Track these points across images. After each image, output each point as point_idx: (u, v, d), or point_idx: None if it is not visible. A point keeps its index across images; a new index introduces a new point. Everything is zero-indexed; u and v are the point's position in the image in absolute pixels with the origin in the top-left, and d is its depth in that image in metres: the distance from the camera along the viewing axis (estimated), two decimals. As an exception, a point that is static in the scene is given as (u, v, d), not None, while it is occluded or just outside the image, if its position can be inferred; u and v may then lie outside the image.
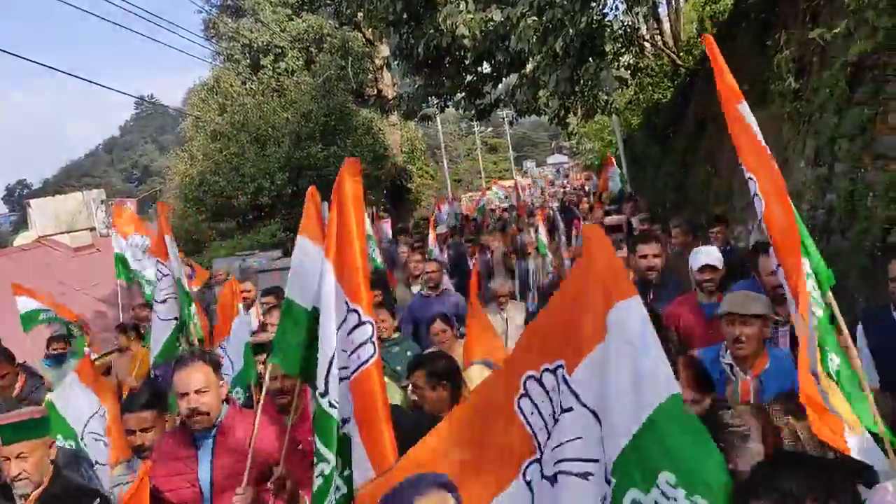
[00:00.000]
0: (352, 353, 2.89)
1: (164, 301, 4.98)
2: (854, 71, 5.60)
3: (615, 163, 15.97)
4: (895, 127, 4.88)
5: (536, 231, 11.15)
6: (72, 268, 14.47)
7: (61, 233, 15.00)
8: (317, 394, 2.99)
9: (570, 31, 8.07)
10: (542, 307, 6.04)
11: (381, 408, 2.80)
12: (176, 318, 4.98)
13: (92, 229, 16.21)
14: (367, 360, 2.84)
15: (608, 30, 9.04)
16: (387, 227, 22.11)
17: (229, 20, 24.57)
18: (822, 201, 6.13)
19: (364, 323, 2.89)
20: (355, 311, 2.91)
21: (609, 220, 10.87)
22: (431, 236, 11.61)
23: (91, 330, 14.35)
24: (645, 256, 5.00)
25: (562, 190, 33.10)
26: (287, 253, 18.57)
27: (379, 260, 10.15)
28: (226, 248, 17.70)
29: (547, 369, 2.14)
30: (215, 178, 18.67)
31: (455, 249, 12.40)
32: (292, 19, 23.99)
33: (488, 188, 31.82)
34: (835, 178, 5.90)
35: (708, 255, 4.55)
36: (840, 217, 5.65)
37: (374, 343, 2.88)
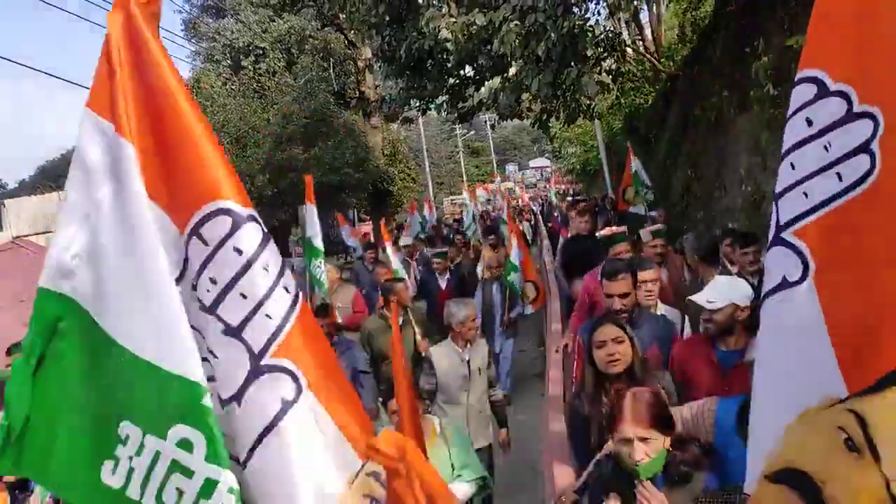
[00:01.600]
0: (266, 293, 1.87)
1: None
2: (832, 78, 5.65)
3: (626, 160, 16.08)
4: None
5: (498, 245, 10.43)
6: (47, 269, 14.24)
7: (37, 234, 14.79)
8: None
9: (552, 35, 8.08)
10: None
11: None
12: None
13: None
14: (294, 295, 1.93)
15: (590, 35, 9.06)
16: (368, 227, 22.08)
17: (210, 20, 24.42)
18: (800, 207, 6.18)
19: (247, 220, 1.93)
20: (225, 210, 1.92)
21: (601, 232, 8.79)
22: (390, 249, 9.86)
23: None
24: (643, 283, 4.25)
25: (542, 195, 32.85)
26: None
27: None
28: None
29: None
30: (195, 180, 18.48)
31: (422, 265, 10.80)
32: (274, 20, 23.89)
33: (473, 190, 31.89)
34: (812, 184, 5.94)
35: (734, 289, 3.44)
36: (817, 223, 5.69)
37: (280, 262, 1.95)
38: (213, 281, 1.87)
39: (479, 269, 9.74)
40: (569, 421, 3.34)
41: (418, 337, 6.39)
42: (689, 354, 3.51)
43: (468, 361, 4.87)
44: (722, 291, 3.40)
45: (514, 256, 8.41)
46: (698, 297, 3.42)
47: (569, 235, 8.98)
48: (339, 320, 6.87)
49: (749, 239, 4.94)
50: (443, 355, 4.86)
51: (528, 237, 18.06)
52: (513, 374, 8.65)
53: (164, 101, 1.95)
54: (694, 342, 3.65)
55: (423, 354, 5.18)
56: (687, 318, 4.55)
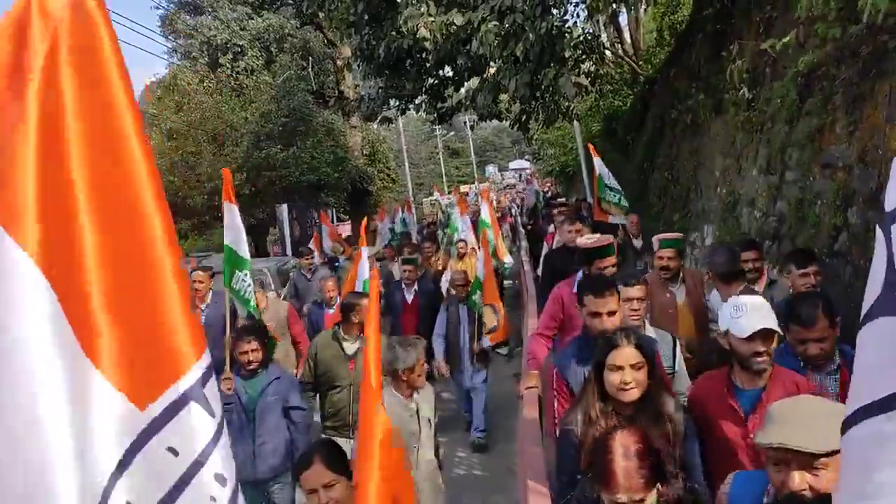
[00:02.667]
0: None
1: None
2: (804, 82, 5.72)
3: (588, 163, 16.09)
4: (843, 137, 4.99)
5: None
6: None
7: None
8: None
9: (531, 36, 8.11)
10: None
11: None
12: None
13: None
14: None
15: (568, 36, 9.10)
16: (348, 228, 21.97)
17: (188, 17, 24.19)
18: (773, 209, 6.25)
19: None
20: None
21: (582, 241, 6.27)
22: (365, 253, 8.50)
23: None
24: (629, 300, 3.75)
25: (520, 196, 32.46)
26: (243, 254, 18.30)
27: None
28: (181, 249, 17.35)
29: None
30: (170, 178, 18.29)
31: (383, 276, 9.22)
32: (252, 18, 23.73)
33: (449, 192, 31.86)
34: (785, 187, 6.02)
35: (760, 314, 2.84)
36: (790, 224, 5.77)
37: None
38: None
39: (443, 284, 8.74)
40: (559, 442, 3.00)
41: None
42: (707, 395, 3.05)
43: (417, 411, 4.01)
44: (765, 318, 2.83)
45: (480, 270, 7.26)
46: (770, 321, 2.82)
47: (554, 244, 8.00)
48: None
49: (807, 257, 4.28)
50: (387, 406, 4.16)
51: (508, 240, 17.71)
52: (488, 417, 7.42)
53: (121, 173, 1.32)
54: (713, 381, 3.09)
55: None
56: (679, 343, 3.92)
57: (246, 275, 5.79)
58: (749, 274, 4.61)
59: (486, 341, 7.14)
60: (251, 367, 4.66)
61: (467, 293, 7.34)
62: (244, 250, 5.89)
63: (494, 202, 26.50)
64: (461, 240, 10.43)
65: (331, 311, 7.28)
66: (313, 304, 8.01)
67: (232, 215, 5.92)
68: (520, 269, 12.56)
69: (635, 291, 3.75)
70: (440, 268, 10.25)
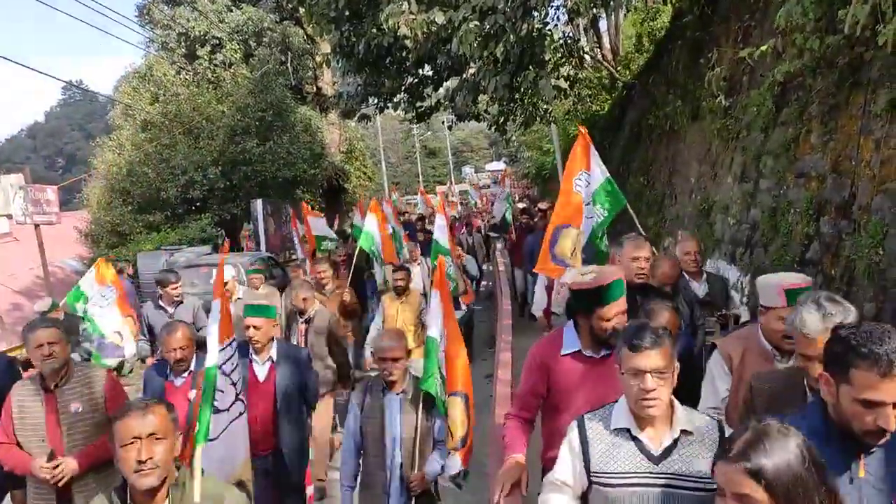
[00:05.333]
0: None
1: None
2: (781, 91, 5.78)
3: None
4: (817, 147, 5.05)
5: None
6: (-16, 256, 13.77)
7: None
8: None
9: (511, 37, 8.11)
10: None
11: None
12: None
13: (9, 216, 15.42)
14: None
15: (548, 39, 9.11)
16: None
17: (165, 7, 23.85)
18: (747, 216, 6.31)
19: None
20: None
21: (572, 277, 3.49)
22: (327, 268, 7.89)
23: (3, 322, 13.61)
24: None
25: (489, 201, 26.14)
26: (216, 248, 18.08)
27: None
28: (152, 242, 17.09)
29: None
30: (144, 170, 18.02)
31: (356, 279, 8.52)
32: (231, 10, 23.46)
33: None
34: (759, 195, 6.08)
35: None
36: (763, 232, 5.82)
37: None
38: None
39: (375, 322, 7.25)
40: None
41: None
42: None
43: None
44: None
45: (435, 328, 3.95)
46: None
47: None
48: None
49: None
50: None
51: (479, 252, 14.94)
52: None
53: None
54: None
55: None
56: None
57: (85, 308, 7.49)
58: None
59: (450, 463, 3.78)
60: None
61: (418, 379, 3.98)
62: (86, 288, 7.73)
63: (476, 202, 26.03)
64: (401, 267, 7.71)
65: None
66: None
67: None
68: (495, 267, 12.57)
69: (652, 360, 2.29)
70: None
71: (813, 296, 2.50)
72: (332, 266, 8.17)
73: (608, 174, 5.30)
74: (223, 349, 3.71)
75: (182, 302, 7.18)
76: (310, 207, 13.90)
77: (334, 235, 12.43)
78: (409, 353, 4.27)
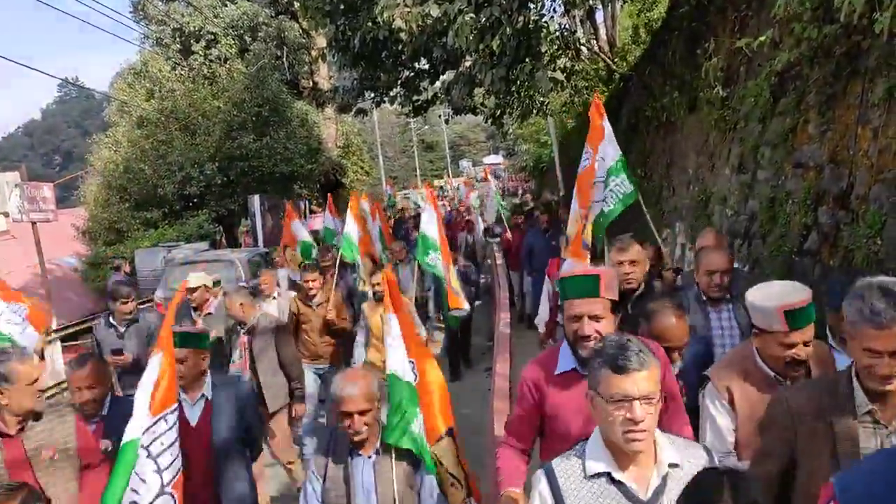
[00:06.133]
0: None
1: None
2: (778, 81, 5.76)
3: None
4: (815, 137, 5.03)
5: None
6: (-19, 255, 13.73)
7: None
8: None
9: (507, 30, 8.07)
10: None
11: None
12: None
13: (5, 214, 15.37)
14: None
15: (545, 31, 9.07)
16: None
17: (160, 3, 23.77)
18: (744, 207, 6.29)
19: None
20: None
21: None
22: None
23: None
24: None
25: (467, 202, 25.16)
26: (214, 245, 18.07)
27: None
28: (150, 239, 17.08)
29: None
30: (141, 166, 18.01)
31: (344, 283, 8.23)
32: (226, 5, 23.43)
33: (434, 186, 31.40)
34: (757, 185, 6.06)
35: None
36: (761, 223, 5.81)
37: None
38: None
39: (360, 338, 6.64)
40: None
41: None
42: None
43: None
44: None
45: (397, 363, 3.17)
46: None
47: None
48: None
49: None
50: None
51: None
52: None
53: None
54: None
55: None
56: None
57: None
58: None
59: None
60: None
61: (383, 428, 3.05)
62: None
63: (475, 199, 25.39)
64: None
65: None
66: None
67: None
68: (492, 261, 12.56)
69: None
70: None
71: (866, 283, 2.11)
72: (320, 274, 7.20)
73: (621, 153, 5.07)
74: (157, 422, 2.88)
75: (137, 321, 5.99)
76: (300, 207, 13.62)
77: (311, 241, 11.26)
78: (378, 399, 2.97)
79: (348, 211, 8.46)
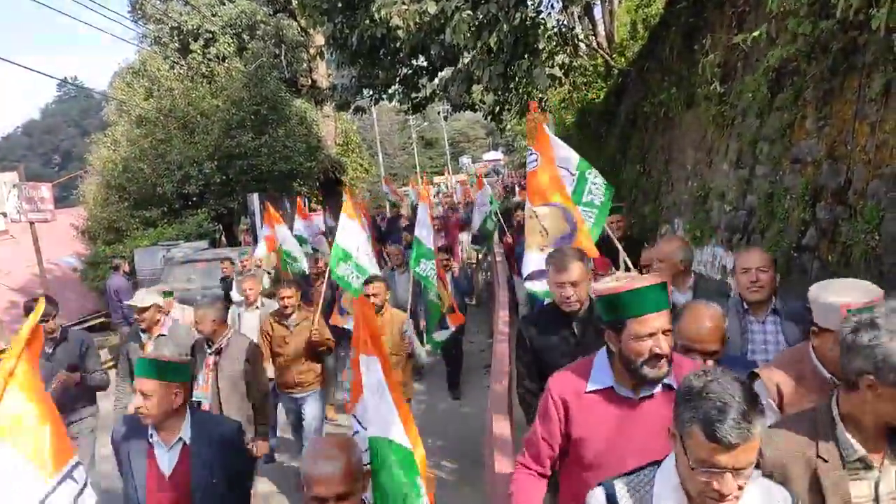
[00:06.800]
0: None
1: None
2: (775, 76, 5.75)
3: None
4: (812, 132, 5.02)
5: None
6: (-20, 256, 13.74)
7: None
8: None
9: (505, 26, 8.07)
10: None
11: None
12: None
13: (4, 214, 15.37)
14: None
15: (542, 27, 9.06)
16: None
17: (158, 2, 23.73)
18: (743, 203, 6.29)
19: None
20: None
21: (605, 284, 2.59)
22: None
23: (1, 321, 13.56)
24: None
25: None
26: (214, 244, 18.07)
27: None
28: (149, 238, 17.08)
29: None
30: (139, 165, 17.99)
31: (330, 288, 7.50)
32: (224, 3, 23.39)
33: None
34: (755, 181, 6.05)
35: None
36: (759, 218, 5.80)
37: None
38: None
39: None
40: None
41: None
42: None
43: None
44: None
45: (375, 428, 2.62)
46: None
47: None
48: None
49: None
50: None
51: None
52: None
53: None
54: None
55: None
56: None
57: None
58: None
59: None
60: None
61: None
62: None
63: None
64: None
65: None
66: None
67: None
68: (492, 259, 12.56)
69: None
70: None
71: None
72: (300, 289, 6.45)
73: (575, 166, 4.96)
74: (54, 490, 2.12)
75: (66, 339, 5.52)
76: (280, 208, 12.89)
77: (298, 252, 9.87)
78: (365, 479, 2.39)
79: (342, 211, 7.15)
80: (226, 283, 10.61)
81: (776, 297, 3.61)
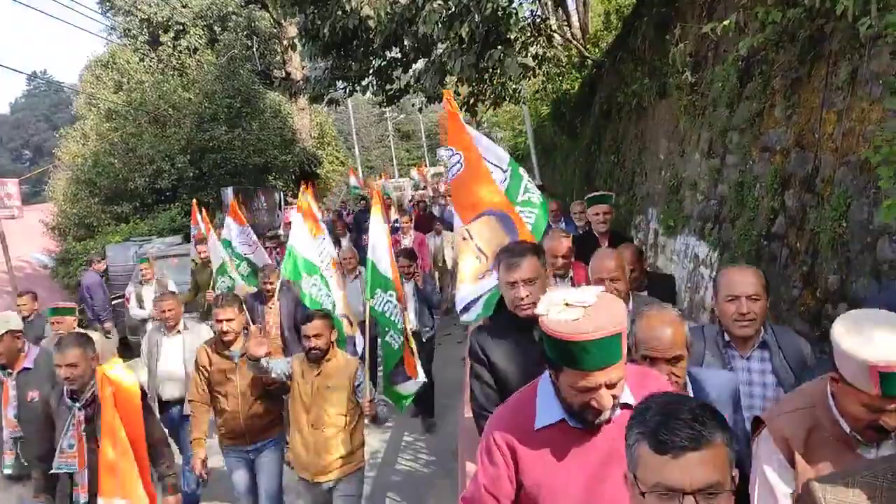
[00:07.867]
0: None
1: None
2: (745, 66, 5.77)
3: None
4: (781, 121, 5.04)
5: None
6: (-54, 253, 13.42)
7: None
8: None
9: (476, 16, 8.01)
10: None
11: None
12: None
13: (-30, 212, 15.04)
14: None
15: (514, 17, 9.02)
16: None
17: (127, -7, 23.36)
18: (714, 192, 6.31)
19: None
20: None
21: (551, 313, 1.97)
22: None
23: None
24: None
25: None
26: (187, 238, 17.85)
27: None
28: (121, 234, 16.83)
29: None
30: (110, 160, 17.72)
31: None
32: (195, -5, 23.07)
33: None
34: (726, 170, 6.08)
35: None
36: (730, 207, 5.83)
37: None
38: None
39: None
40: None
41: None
42: None
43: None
44: None
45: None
46: None
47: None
48: None
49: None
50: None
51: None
52: None
53: None
54: None
55: None
56: None
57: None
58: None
59: None
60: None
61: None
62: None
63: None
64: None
65: None
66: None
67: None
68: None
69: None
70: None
71: None
72: (241, 310, 4.88)
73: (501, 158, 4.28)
74: None
75: None
76: (240, 202, 12.33)
77: (231, 267, 7.99)
78: None
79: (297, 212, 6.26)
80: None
81: (765, 328, 2.95)
